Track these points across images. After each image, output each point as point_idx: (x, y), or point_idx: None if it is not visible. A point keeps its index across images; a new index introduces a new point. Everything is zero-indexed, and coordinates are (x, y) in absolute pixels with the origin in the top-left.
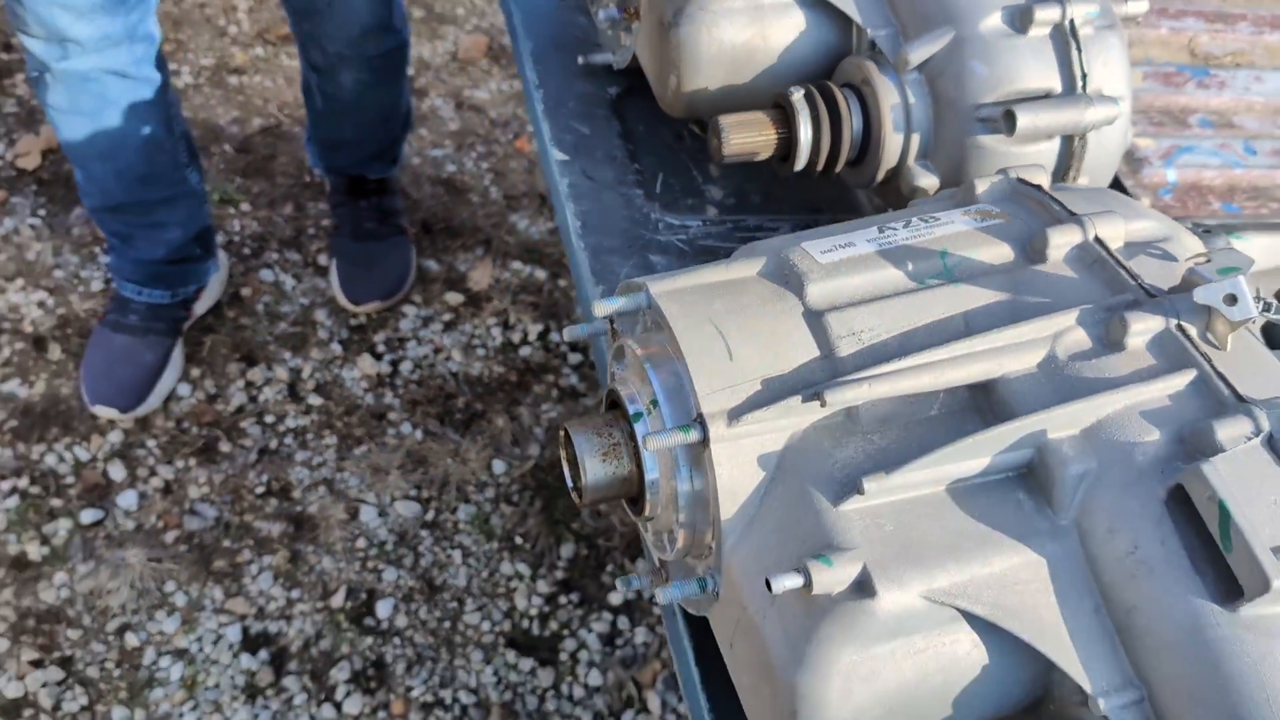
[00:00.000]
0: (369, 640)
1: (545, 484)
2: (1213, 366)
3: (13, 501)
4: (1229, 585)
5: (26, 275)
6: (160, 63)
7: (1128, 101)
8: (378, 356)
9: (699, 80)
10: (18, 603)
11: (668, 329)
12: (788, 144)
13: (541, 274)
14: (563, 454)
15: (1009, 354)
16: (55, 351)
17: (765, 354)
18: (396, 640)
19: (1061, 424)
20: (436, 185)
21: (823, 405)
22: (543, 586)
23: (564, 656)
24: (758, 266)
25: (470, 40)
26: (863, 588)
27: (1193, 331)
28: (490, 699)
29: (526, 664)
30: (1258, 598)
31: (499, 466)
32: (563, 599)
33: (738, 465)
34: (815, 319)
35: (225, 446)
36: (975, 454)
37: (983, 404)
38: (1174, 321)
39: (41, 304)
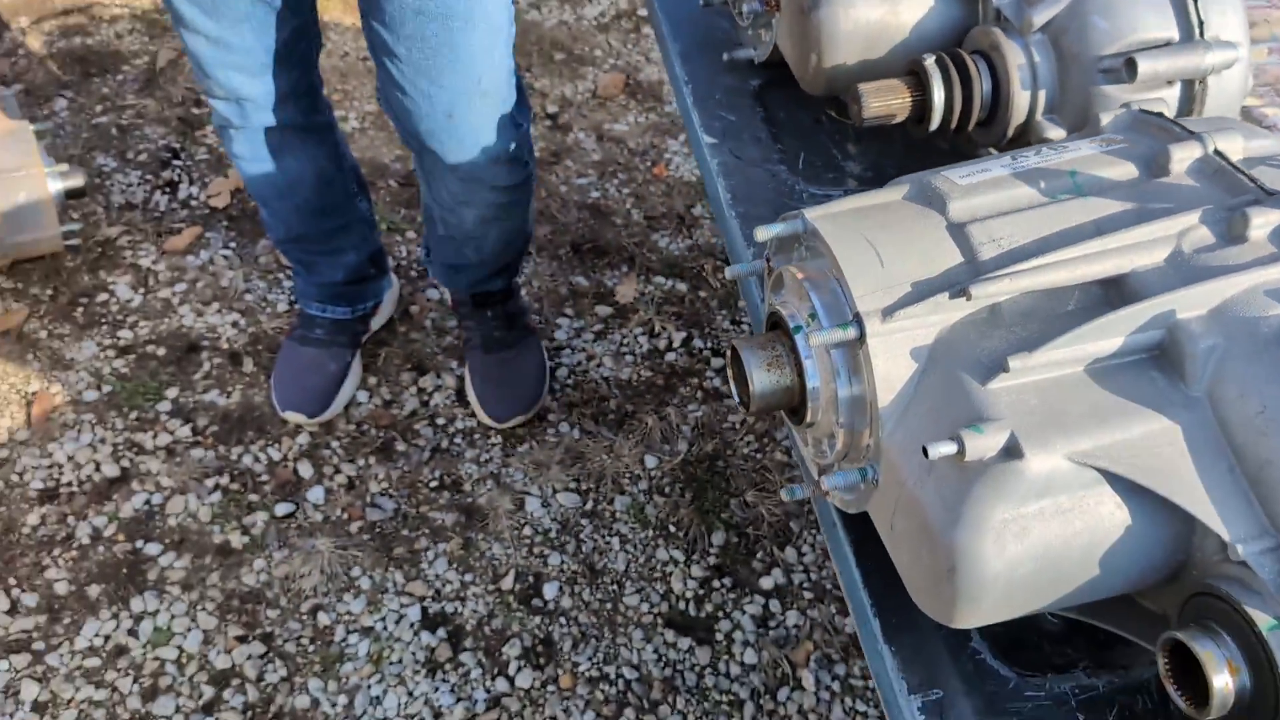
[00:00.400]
0: (537, 620)
1: (695, 477)
2: None
3: (216, 497)
4: None
5: (221, 300)
6: (325, 107)
7: (1245, 47)
8: None
9: (837, 57)
10: (223, 585)
11: (824, 244)
12: (922, 106)
13: (683, 286)
14: (729, 371)
15: (1137, 251)
16: (248, 365)
17: (913, 261)
18: (562, 620)
19: (1190, 305)
20: (583, 210)
21: (968, 300)
22: (696, 571)
23: (719, 636)
24: (902, 192)
25: (608, 78)
26: (1011, 452)
27: None
28: (651, 674)
29: (684, 643)
30: None
31: (650, 461)
32: (716, 583)
33: (892, 358)
34: (957, 230)
35: (401, 446)
36: (1110, 333)
37: (1114, 298)
38: None
39: (235, 324)
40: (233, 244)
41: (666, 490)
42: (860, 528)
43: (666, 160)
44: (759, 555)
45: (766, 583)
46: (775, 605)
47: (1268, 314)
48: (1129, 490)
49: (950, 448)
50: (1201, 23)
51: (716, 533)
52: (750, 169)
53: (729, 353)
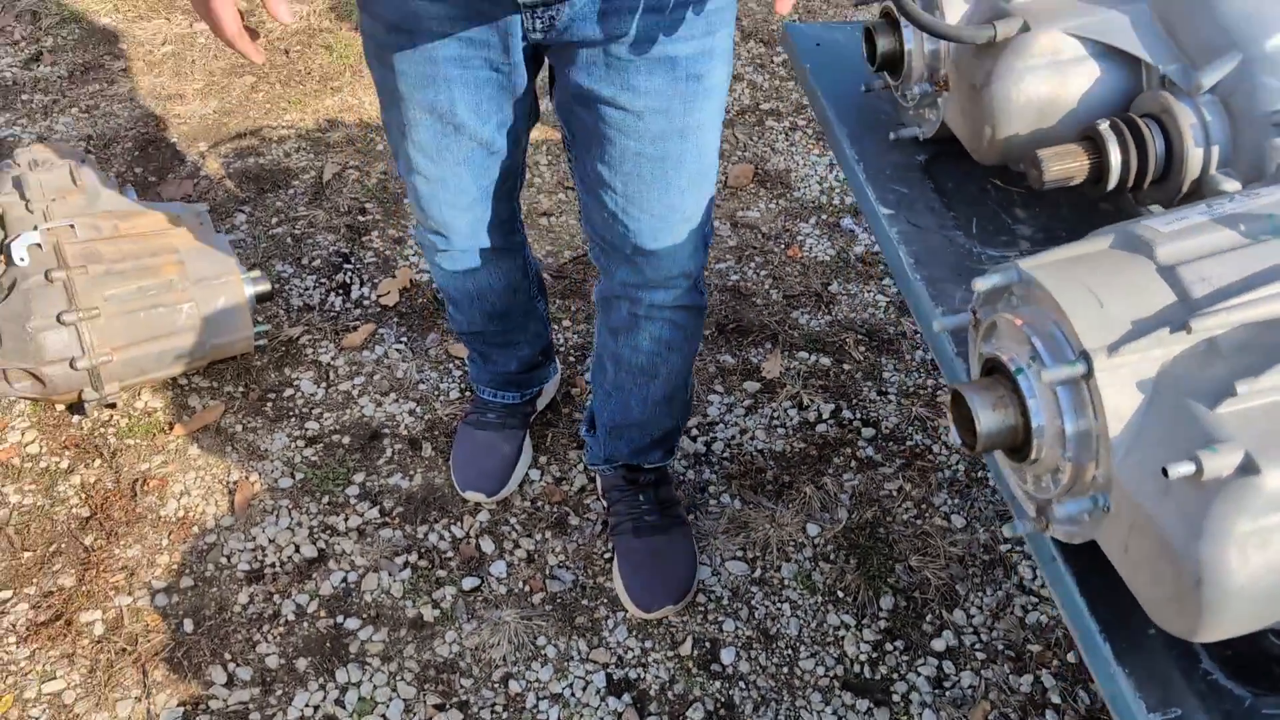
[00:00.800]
0: (717, 684)
1: (857, 544)
2: None
3: (406, 574)
4: None
5: (398, 390)
6: (520, 228)
7: None
8: (693, 439)
9: (1011, 129)
10: (419, 656)
11: (1041, 291)
12: (1099, 168)
13: (826, 360)
14: (950, 415)
15: None
16: (427, 449)
17: (1129, 301)
18: (741, 684)
19: None
20: (724, 293)
21: (1189, 332)
22: (868, 635)
23: (896, 698)
24: (1107, 241)
25: (738, 169)
26: (1247, 469)
27: None
28: None
29: (863, 704)
30: None
31: (812, 529)
32: (888, 646)
33: (1119, 390)
34: (1168, 271)
35: (574, 520)
36: None
37: None
38: None
39: (412, 412)
40: (404, 339)
41: (831, 557)
42: (1079, 560)
43: (800, 242)
44: (928, 618)
45: (938, 644)
46: (949, 666)
47: None
48: None
49: (1189, 468)
50: None
51: (884, 597)
52: (927, 235)
53: (950, 397)
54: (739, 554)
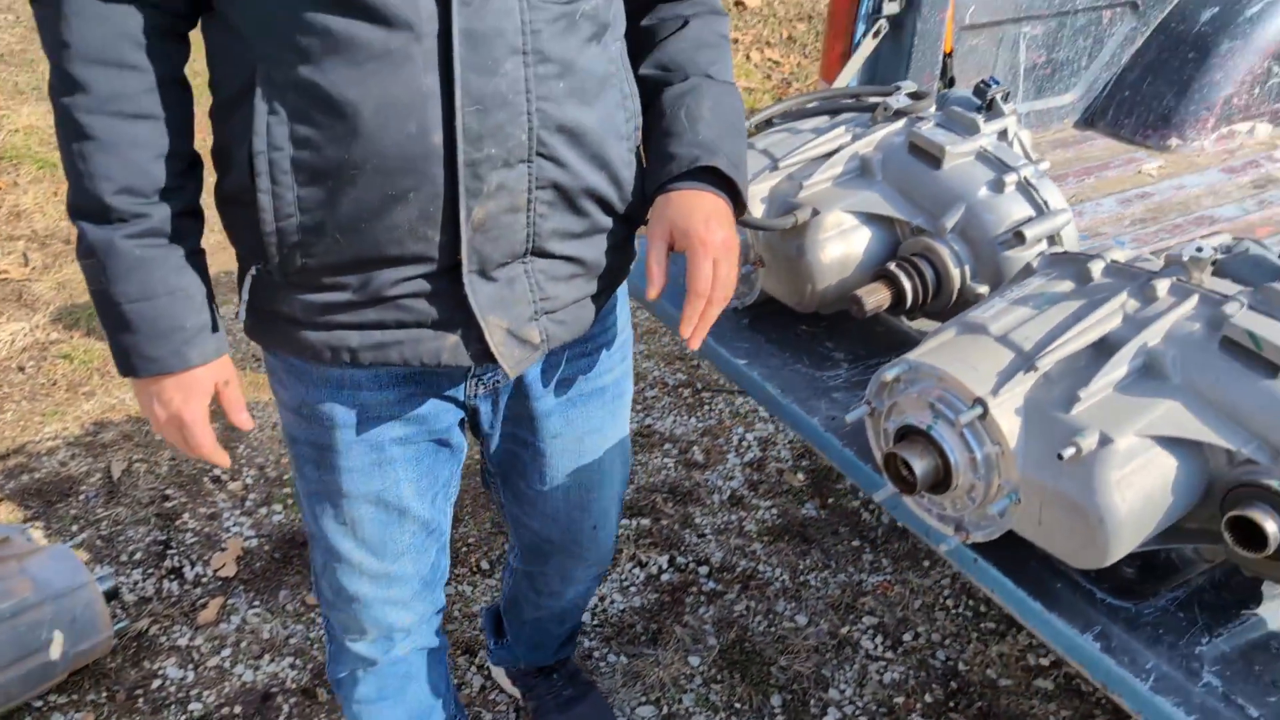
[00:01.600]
0: None
1: (735, 661)
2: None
3: None
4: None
5: (270, 650)
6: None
7: (1068, 211)
8: None
9: (824, 283)
10: None
11: (930, 369)
12: (899, 295)
13: (646, 521)
14: (886, 474)
15: (1106, 321)
16: (322, 694)
17: (990, 362)
18: None
19: (1153, 337)
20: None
21: (1035, 370)
22: None
23: None
24: (953, 333)
25: None
26: (1105, 440)
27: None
28: None
29: None
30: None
31: (694, 660)
32: None
33: (1007, 419)
34: (1003, 339)
35: (488, 718)
36: (1120, 365)
37: (1107, 349)
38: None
39: (293, 665)
40: (258, 602)
41: (718, 678)
42: (986, 554)
43: None
44: (811, 703)
45: None
46: None
47: (1192, 330)
48: (1171, 444)
49: (1073, 450)
50: (1044, 202)
51: (773, 696)
52: (778, 371)
53: (885, 460)
54: (642, 699)
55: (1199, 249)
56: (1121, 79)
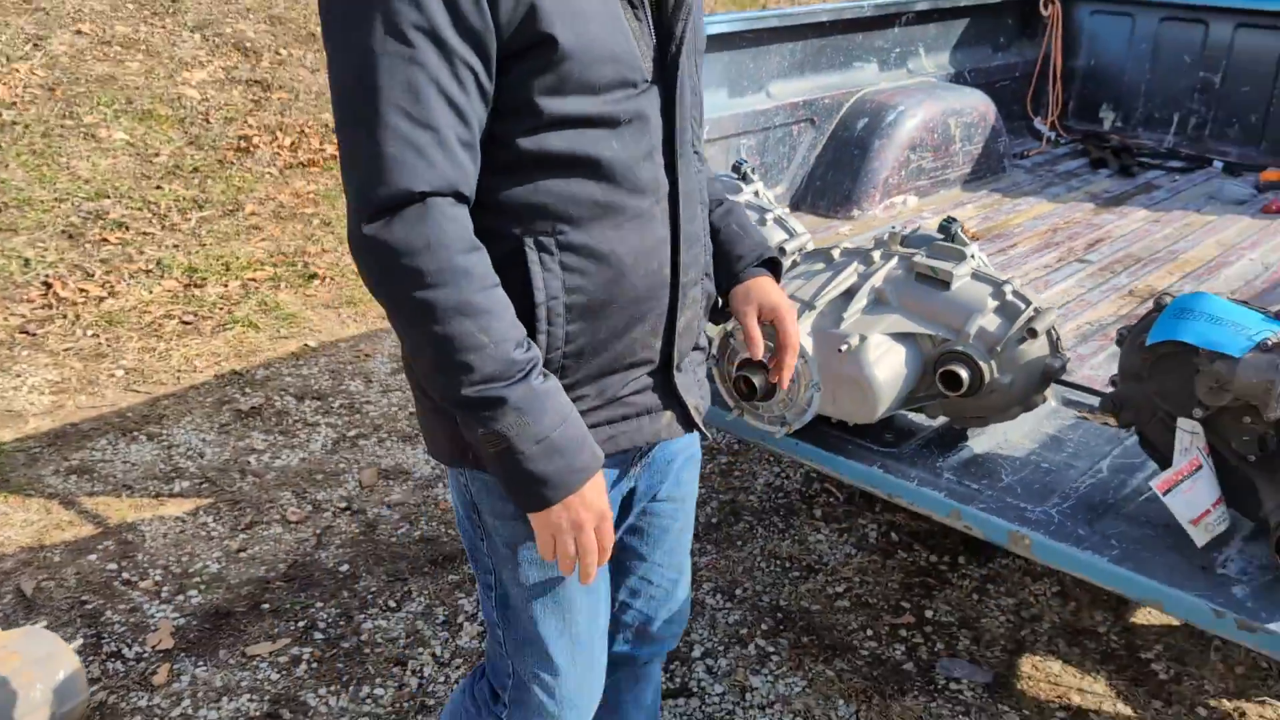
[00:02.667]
0: None
1: None
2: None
3: None
4: None
5: (227, 693)
6: None
7: (807, 235)
8: None
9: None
10: None
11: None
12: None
13: None
14: (736, 395)
15: (850, 277)
16: (285, 713)
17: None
18: None
19: (879, 278)
20: None
21: (815, 309)
22: None
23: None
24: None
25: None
26: (864, 339)
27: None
28: None
29: None
30: None
31: None
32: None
33: (806, 340)
34: (793, 296)
35: None
36: (861, 298)
37: (850, 294)
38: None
39: (250, 699)
40: (202, 663)
41: None
42: (803, 439)
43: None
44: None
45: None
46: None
47: (897, 273)
48: (900, 338)
49: (845, 345)
50: (791, 230)
51: None
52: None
53: (734, 383)
54: None
55: (892, 230)
56: (813, 173)
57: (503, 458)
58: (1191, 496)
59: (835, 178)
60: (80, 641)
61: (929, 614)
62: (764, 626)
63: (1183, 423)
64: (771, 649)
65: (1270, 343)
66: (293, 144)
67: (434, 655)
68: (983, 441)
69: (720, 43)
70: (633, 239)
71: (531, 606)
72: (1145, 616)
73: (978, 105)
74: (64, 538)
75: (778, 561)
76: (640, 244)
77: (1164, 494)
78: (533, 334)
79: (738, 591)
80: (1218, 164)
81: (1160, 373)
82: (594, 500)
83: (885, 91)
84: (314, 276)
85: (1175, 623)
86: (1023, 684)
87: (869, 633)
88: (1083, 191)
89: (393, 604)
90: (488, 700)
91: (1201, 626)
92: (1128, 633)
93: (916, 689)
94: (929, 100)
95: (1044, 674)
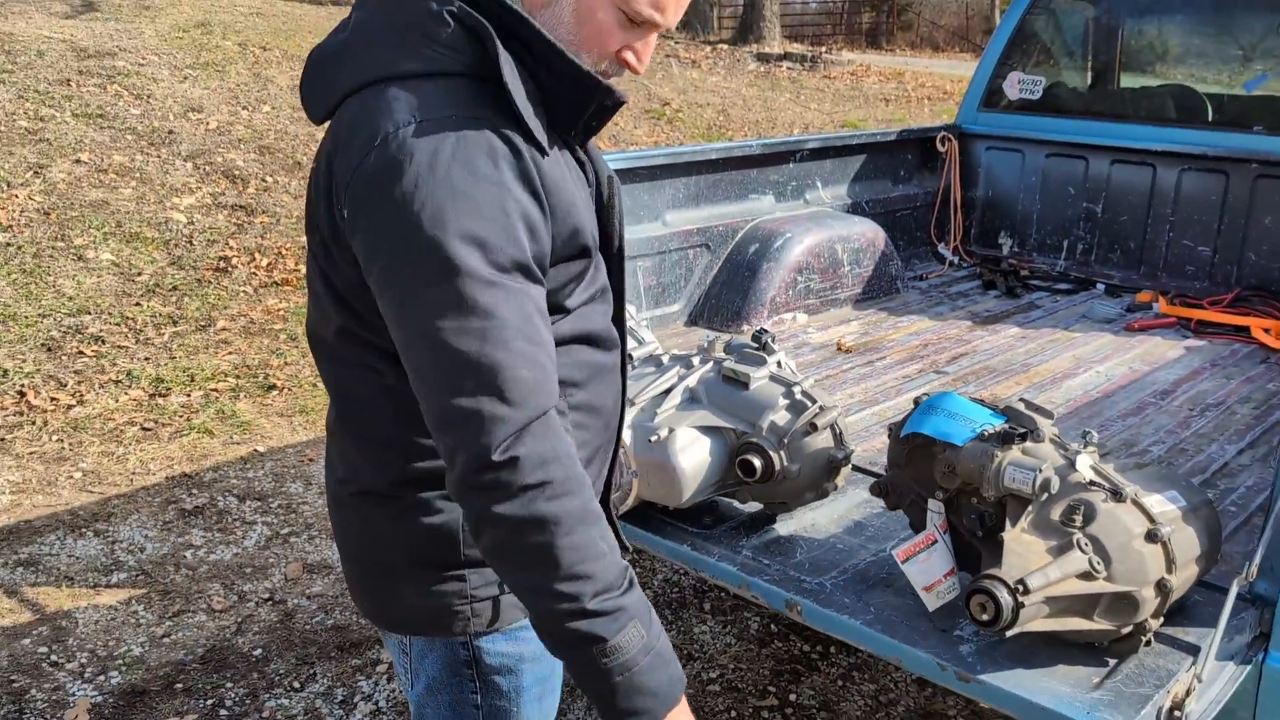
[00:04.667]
0: None
1: None
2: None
3: None
4: None
5: None
6: None
7: (655, 342)
8: None
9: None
10: None
11: None
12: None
13: None
14: None
15: (670, 379)
16: None
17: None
18: None
19: (690, 380)
20: None
21: (635, 405)
22: None
23: None
24: None
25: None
26: (672, 432)
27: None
28: None
29: None
30: None
31: None
32: None
33: (626, 432)
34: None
35: None
36: (676, 395)
37: (668, 393)
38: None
39: None
40: None
41: None
42: (629, 522)
43: None
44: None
45: None
46: None
47: (710, 375)
48: (707, 430)
49: (656, 436)
50: (640, 338)
51: None
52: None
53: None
54: None
55: (710, 341)
56: (708, 292)
57: (614, 673)
58: (926, 566)
59: (728, 296)
60: (3, 714)
61: (793, 697)
62: None
63: (930, 503)
64: None
65: (987, 433)
66: (269, 264)
67: None
68: (789, 525)
69: (619, 177)
70: (613, 389)
71: None
72: None
73: (866, 232)
74: (2, 624)
75: None
76: (616, 393)
77: (903, 562)
78: None
79: None
80: (1100, 286)
81: (914, 461)
82: (686, 713)
83: (777, 220)
84: (273, 387)
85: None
86: None
87: (732, 714)
88: (966, 310)
89: (297, 685)
90: None
91: (930, 678)
92: (976, 717)
93: None
94: (817, 228)
95: None
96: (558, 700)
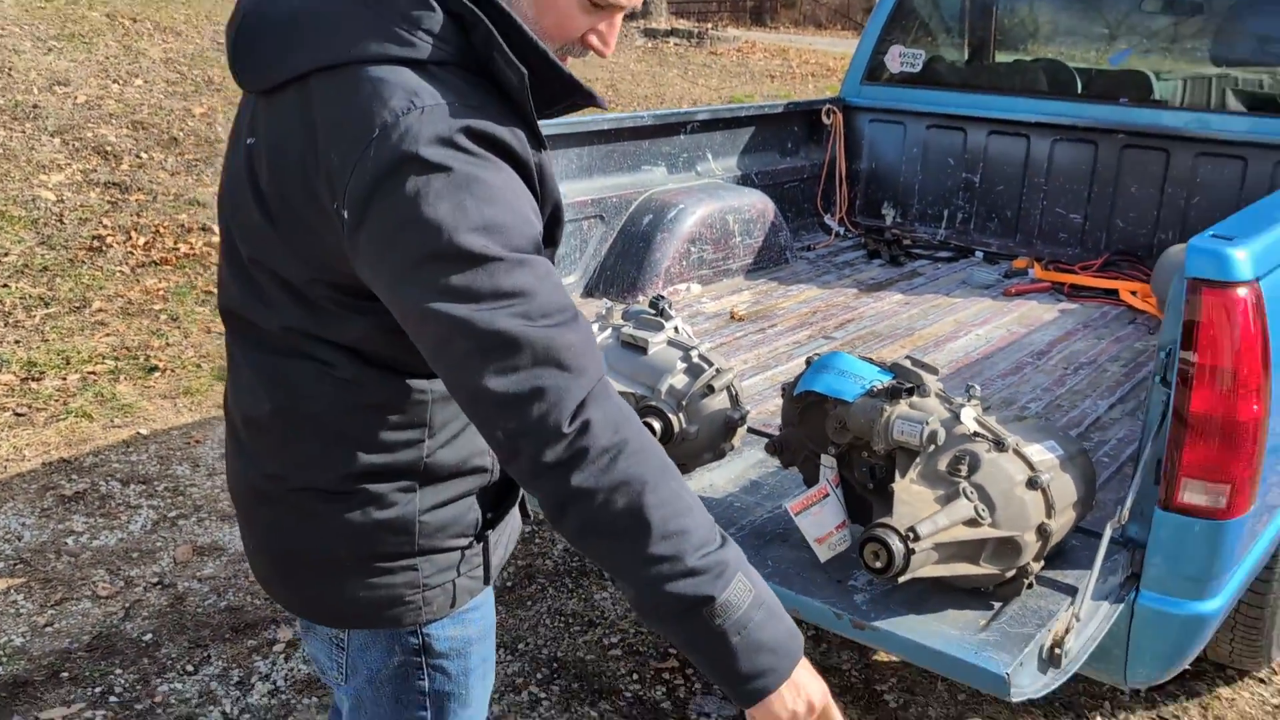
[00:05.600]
0: None
1: None
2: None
3: None
4: None
5: None
6: None
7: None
8: None
9: None
10: None
11: None
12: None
13: None
14: None
15: None
16: None
17: None
18: None
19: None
20: None
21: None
22: None
23: None
24: None
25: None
26: None
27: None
28: None
29: None
30: None
31: None
32: None
33: None
34: None
35: None
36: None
37: None
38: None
39: None
40: None
41: None
42: None
43: None
44: None
45: None
46: None
47: (610, 342)
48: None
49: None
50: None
51: None
52: None
53: None
54: None
55: (608, 309)
56: (604, 263)
57: (730, 634)
58: (819, 519)
59: (624, 267)
60: None
61: None
62: (539, 675)
63: (823, 459)
64: (543, 695)
65: (876, 389)
66: (146, 243)
67: (223, 712)
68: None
69: None
70: None
71: None
72: (884, 655)
73: (756, 203)
74: None
75: (562, 618)
76: None
77: (796, 515)
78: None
79: (520, 646)
80: (979, 254)
81: (806, 418)
82: (811, 672)
83: (670, 191)
84: (155, 369)
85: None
86: None
87: (635, 677)
88: (852, 279)
89: (190, 668)
90: None
91: (826, 627)
92: (868, 669)
93: None
94: (709, 199)
95: None
96: (494, 675)
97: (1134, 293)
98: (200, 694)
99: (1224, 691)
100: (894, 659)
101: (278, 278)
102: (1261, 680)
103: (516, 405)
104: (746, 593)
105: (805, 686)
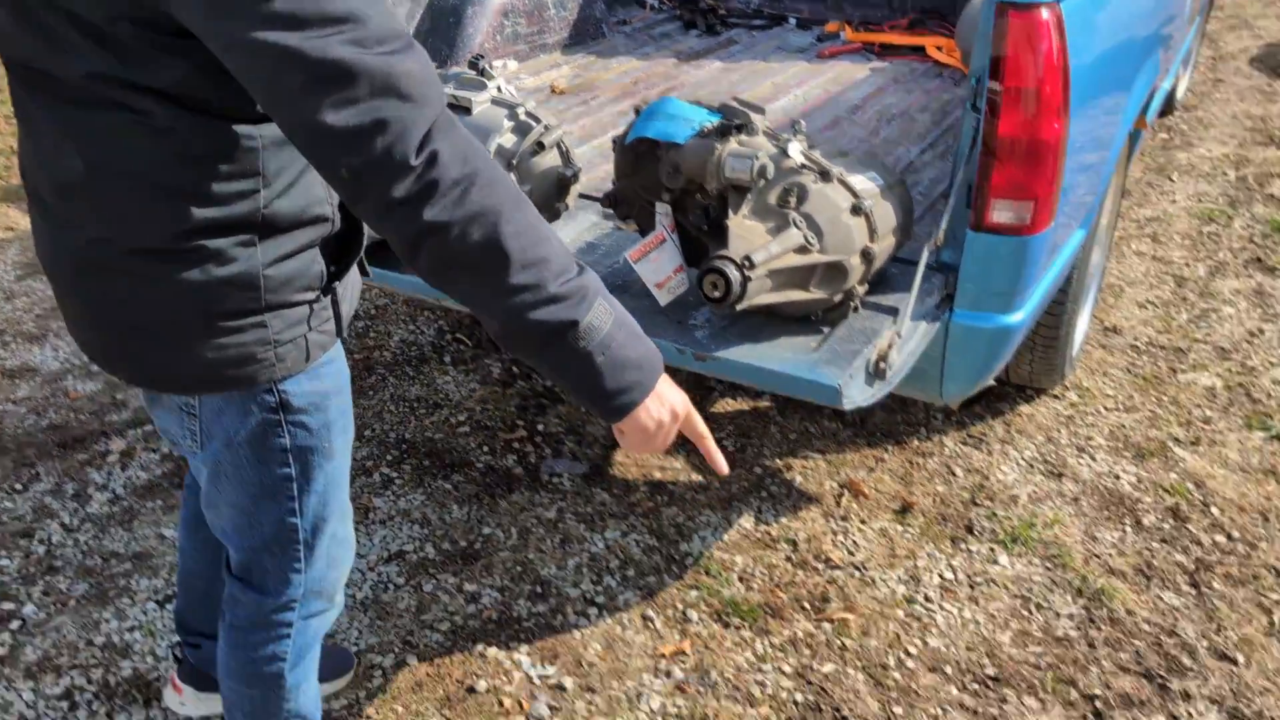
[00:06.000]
0: None
1: None
2: None
3: None
4: None
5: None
6: None
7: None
8: None
9: None
10: None
11: None
12: None
13: None
14: None
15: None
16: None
17: None
18: None
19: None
20: None
21: None
22: None
23: None
24: None
25: None
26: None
27: None
28: None
29: None
30: None
31: None
32: None
33: None
34: None
35: None
36: None
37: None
38: None
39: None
40: None
41: None
42: None
43: None
44: None
45: None
46: None
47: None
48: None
49: None
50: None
51: None
52: None
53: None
54: None
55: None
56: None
57: (595, 354)
58: (657, 265)
59: (435, 44)
60: None
61: (540, 427)
62: (389, 457)
63: (658, 206)
64: (394, 474)
65: (707, 129)
66: None
67: (62, 524)
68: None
69: None
70: None
71: (325, 500)
72: (722, 406)
73: None
74: None
75: (406, 403)
76: None
77: (635, 262)
78: (332, 209)
79: (366, 433)
80: (792, 20)
81: (639, 167)
82: (671, 388)
83: None
84: None
85: (745, 407)
86: (615, 470)
87: (485, 449)
88: (670, 50)
89: (20, 487)
90: (263, 618)
91: (671, 363)
92: (708, 421)
93: (523, 487)
94: None
95: (633, 460)
96: (353, 428)
97: (939, 48)
98: (35, 509)
99: (1024, 408)
100: (730, 409)
101: (74, 17)
102: (1055, 397)
103: (358, 139)
104: (607, 315)
105: (668, 397)
